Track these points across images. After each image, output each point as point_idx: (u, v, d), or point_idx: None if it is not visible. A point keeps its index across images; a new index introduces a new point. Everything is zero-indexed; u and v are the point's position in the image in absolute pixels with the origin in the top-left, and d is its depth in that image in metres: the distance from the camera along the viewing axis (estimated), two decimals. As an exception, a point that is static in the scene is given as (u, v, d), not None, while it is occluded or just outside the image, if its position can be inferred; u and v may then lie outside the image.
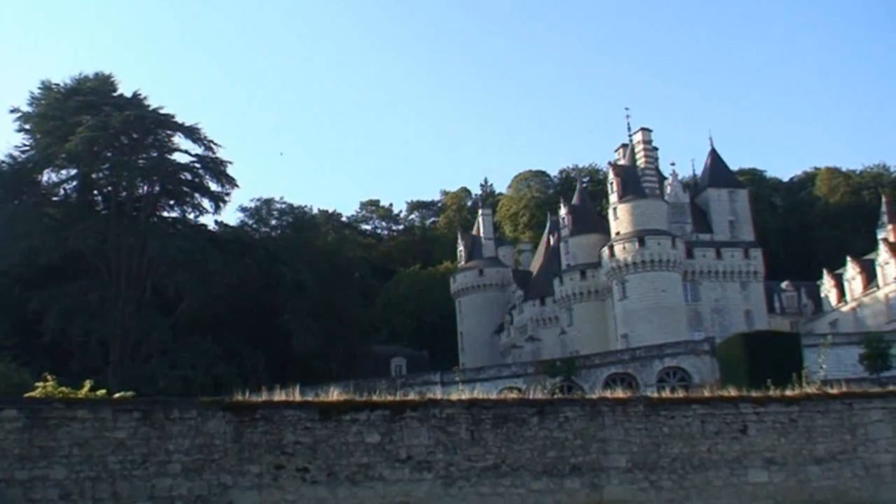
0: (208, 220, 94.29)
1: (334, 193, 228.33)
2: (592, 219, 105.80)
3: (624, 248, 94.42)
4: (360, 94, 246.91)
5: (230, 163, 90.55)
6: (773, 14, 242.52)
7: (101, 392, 24.03)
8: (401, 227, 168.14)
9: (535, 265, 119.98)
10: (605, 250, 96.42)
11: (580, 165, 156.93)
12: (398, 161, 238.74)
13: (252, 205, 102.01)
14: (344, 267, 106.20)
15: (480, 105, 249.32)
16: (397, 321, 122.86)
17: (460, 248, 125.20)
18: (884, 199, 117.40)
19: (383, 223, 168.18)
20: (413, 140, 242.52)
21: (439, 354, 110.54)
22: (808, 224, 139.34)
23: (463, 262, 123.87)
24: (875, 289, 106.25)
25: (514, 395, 24.69)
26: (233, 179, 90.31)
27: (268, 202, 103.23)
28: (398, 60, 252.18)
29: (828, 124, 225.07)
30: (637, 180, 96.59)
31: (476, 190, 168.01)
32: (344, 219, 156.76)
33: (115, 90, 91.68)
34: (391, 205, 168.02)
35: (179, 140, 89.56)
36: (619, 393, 24.70)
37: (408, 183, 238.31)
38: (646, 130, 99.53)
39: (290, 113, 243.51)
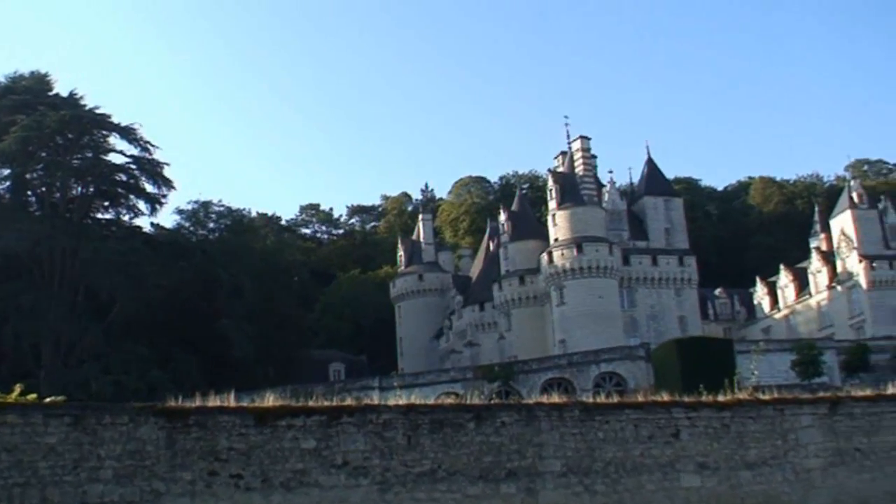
0: (144, 223, 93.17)
1: (274, 196, 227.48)
2: (532, 225, 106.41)
3: (562, 254, 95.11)
4: (300, 98, 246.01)
5: (167, 164, 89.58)
6: (709, 25, 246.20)
7: (32, 396, 23.58)
8: (341, 231, 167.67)
9: (475, 270, 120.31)
10: (544, 256, 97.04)
11: (520, 172, 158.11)
12: (339, 165, 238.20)
13: (189, 207, 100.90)
14: (283, 271, 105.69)
15: (422, 110, 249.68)
16: (336, 326, 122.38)
17: (400, 252, 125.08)
18: (816, 209, 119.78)
19: (323, 227, 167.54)
20: (354, 144, 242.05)
21: (378, 359, 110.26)
22: (741, 232, 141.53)
23: (403, 267, 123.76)
24: (807, 296, 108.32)
25: (451, 400, 24.73)
26: (169, 181, 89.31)
27: (205, 205, 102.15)
28: (339, 64, 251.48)
29: (762, 134, 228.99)
30: (576, 187, 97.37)
31: (417, 195, 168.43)
32: (283, 222, 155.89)
33: (50, 89, 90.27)
34: (331, 209, 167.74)
35: (115, 141, 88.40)
36: (556, 398, 24.86)
37: (348, 187, 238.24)
38: (584, 138, 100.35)
39: (229, 115, 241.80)
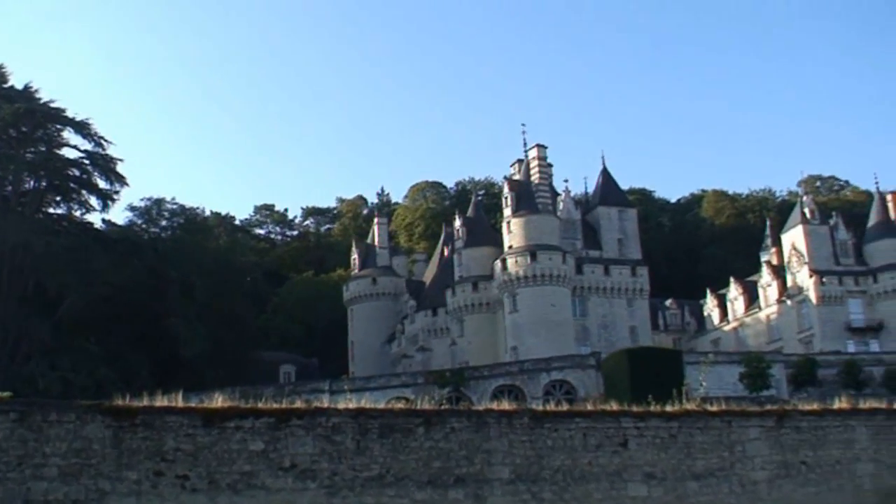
0: (96, 219, 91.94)
1: (228, 196, 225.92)
2: (486, 232, 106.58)
3: (516, 261, 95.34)
4: (257, 97, 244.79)
5: (120, 160, 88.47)
6: (667, 38, 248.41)
7: (-22, 392, 23.28)
8: (295, 232, 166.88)
9: (429, 276, 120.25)
10: (498, 263, 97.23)
11: (476, 178, 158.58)
12: (295, 166, 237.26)
13: (142, 204, 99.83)
14: (235, 271, 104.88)
15: (380, 114, 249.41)
16: (288, 328, 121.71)
17: (354, 256, 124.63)
18: (768, 223, 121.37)
19: (277, 228, 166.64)
20: (310, 146, 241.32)
21: (330, 362, 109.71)
22: (693, 244, 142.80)
23: (356, 271, 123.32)
24: (757, 309, 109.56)
25: (402, 404, 24.59)
26: (122, 177, 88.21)
27: (158, 202, 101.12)
28: (297, 65, 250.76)
29: (717, 148, 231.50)
30: (531, 195, 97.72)
31: (372, 198, 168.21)
32: (237, 222, 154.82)
33: (5, 81, 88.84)
34: (286, 210, 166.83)
35: (69, 135, 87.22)
36: (506, 405, 24.89)
37: (304, 189, 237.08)
38: (541, 147, 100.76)
39: (185, 112, 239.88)
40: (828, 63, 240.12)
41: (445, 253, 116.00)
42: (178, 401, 22.03)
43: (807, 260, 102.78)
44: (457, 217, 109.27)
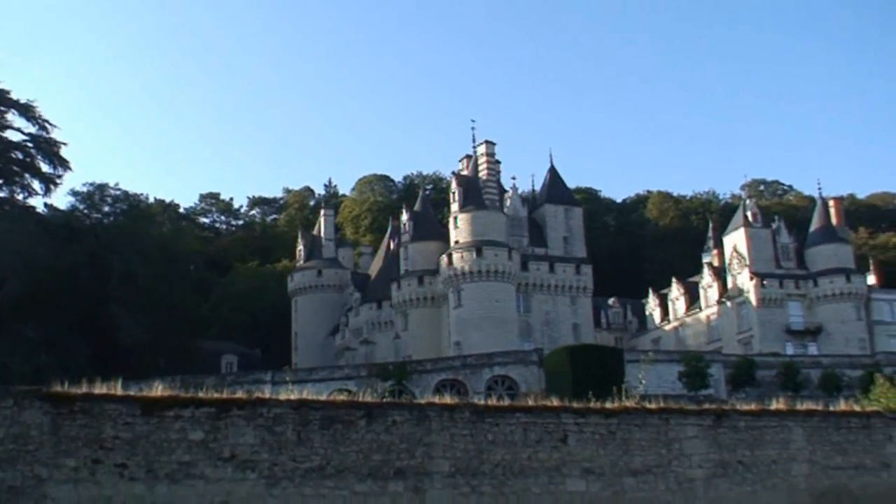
0: (38, 203, 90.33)
1: (173, 183, 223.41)
2: (433, 226, 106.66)
3: (462, 256, 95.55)
4: (205, 85, 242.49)
5: (65, 144, 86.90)
6: (617, 39, 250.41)
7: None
8: (240, 222, 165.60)
9: (374, 269, 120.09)
10: (444, 258, 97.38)
11: (424, 173, 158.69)
12: (242, 155, 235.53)
13: (85, 189, 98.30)
14: (178, 259, 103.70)
15: (328, 106, 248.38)
16: (231, 318, 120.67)
17: (300, 247, 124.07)
18: (711, 225, 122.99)
19: (222, 217, 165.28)
20: (258, 135, 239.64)
21: (272, 353, 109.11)
22: (637, 244, 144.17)
23: (302, 262, 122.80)
24: (697, 310, 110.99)
25: (344, 397, 24.59)
26: (66, 162, 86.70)
27: (101, 188, 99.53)
28: (246, 53, 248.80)
29: (662, 150, 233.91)
30: (478, 191, 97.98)
31: (320, 190, 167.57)
32: (182, 210, 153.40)
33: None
34: (232, 199, 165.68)
35: (14, 118, 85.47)
36: (448, 399, 24.99)
37: (251, 178, 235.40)
38: (490, 143, 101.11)
39: (131, 98, 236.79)
40: (774, 69, 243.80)
41: (392, 246, 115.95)
42: (118, 389, 21.78)
43: (748, 262, 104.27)
44: (404, 211, 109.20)
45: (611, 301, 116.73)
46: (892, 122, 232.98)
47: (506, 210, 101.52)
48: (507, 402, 26.53)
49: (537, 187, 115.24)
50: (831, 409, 30.14)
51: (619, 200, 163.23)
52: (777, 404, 28.63)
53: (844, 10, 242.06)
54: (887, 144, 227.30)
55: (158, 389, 21.92)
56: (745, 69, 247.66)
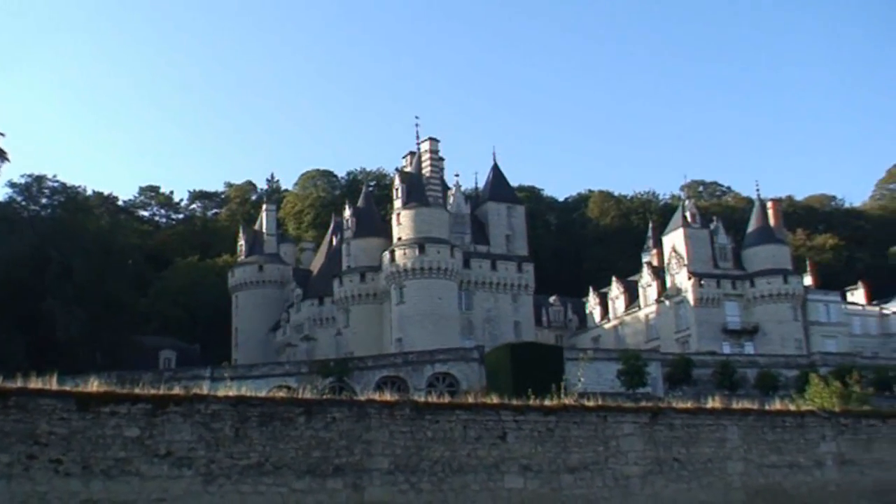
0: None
1: (112, 176, 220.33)
2: (376, 223, 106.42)
3: (404, 253, 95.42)
4: (146, 75, 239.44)
5: (2, 135, 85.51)
6: (559, 37, 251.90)
7: None
8: (180, 216, 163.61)
9: (316, 265, 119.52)
10: (386, 255, 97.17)
11: (368, 169, 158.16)
12: (183, 148, 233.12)
13: (22, 181, 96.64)
14: (117, 253, 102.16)
15: (271, 100, 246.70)
16: (170, 313, 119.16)
17: (241, 242, 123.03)
18: (650, 225, 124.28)
19: (162, 210, 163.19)
20: (200, 128, 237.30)
21: (212, 349, 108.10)
22: (578, 243, 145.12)
23: (243, 257, 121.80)
24: (637, 309, 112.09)
25: (283, 393, 24.39)
26: (3, 153, 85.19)
27: (39, 179, 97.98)
28: (188, 45, 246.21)
29: (604, 150, 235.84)
30: (421, 188, 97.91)
31: (262, 184, 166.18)
32: (120, 203, 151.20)
33: None
34: (172, 192, 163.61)
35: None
36: (388, 396, 24.93)
37: (191, 171, 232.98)
38: (433, 140, 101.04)
39: (70, 89, 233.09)
40: (713, 71, 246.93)
41: (334, 242, 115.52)
42: (53, 384, 21.44)
43: (686, 262, 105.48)
44: (347, 207, 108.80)
45: (552, 299, 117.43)
46: (829, 124, 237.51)
47: (449, 207, 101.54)
48: (447, 399, 26.51)
49: (480, 185, 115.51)
50: (766, 408, 30.56)
51: (561, 199, 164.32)
52: (713, 403, 28.96)
53: (785, 13, 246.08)
54: (825, 147, 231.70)
55: (94, 385, 21.61)
56: (685, 71, 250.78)
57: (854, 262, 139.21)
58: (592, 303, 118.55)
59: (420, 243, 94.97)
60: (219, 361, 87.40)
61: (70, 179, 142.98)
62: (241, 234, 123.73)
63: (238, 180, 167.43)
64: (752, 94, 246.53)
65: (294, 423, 22.05)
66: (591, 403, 26.23)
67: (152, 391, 21.98)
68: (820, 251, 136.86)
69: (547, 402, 25.54)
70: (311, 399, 23.48)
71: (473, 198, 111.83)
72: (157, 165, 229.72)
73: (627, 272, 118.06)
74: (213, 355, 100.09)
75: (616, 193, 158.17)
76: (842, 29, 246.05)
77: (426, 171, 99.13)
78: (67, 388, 21.67)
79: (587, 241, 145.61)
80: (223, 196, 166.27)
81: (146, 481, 20.45)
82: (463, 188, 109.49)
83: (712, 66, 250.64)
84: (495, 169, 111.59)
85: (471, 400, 26.34)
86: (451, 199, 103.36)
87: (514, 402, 25.48)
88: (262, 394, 24.30)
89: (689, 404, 28.61)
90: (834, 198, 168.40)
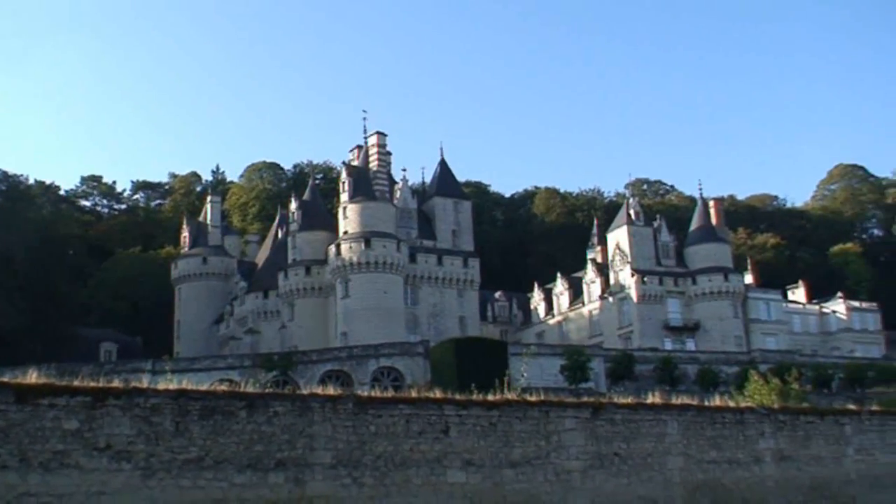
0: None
1: (54, 165, 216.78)
2: (322, 216, 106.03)
3: (350, 247, 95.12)
4: (91, 64, 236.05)
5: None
6: (507, 34, 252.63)
7: None
8: (123, 206, 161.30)
9: (261, 257, 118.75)
10: (332, 248, 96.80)
11: (315, 162, 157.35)
12: (126, 137, 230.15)
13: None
14: (58, 243, 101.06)
15: (218, 90, 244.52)
16: (112, 305, 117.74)
17: (184, 233, 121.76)
18: (595, 222, 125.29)
19: (105, 201, 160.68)
20: (144, 117, 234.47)
21: (154, 342, 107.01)
22: (524, 239, 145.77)
23: (186, 249, 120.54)
24: (580, 305, 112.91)
25: (226, 387, 24.21)
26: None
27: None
28: (133, 32, 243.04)
29: (551, 147, 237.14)
30: (368, 182, 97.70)
31: (207, 176, 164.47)
32: (62, 192, 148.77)
33: None
34: (115, 182, 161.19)
35: None
36: (331, 390, 24.85)
37: (135, 161, 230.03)
38: (381, 134, 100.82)
39: (11, 76, 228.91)
40: (658, 72, 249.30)
41: (279, 235, 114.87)
42: (-10, 375, 21.10)
43: (629, 259, 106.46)
44: (293, 200, 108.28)
45: (497, 294, 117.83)
46: (771, 125, 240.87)
47: (395, 202, 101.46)
48: (391, 393, 26.49)
49: (427, 180, 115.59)
50: (706, 404, 30.93)
51: (507, 195, 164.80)
52: (653, 398, 29.23)
53: (725, 16, 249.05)
54: (768, 147, 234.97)
55: (33, 377, 21.29)
56: (630, 70, 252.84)
57: (795, 261, 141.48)
58: (537, 298, 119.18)
59: (366, 237, 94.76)
60: (160, 354, 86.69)
61: (12, 168, 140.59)
62: (184, 226, 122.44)
63: (182, 171, 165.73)
64: (695, 94, 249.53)
65: (235, 417, 21.87)
66: (533, 398, 26.33)
67: (92, 384, 21.68)
68: (761, 250, 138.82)
69: (490, 397, 25.61)
70: (253, 393, 23.30)
71: (420, 193, 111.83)
72: (100, 155, 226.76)
73: (572, 268, 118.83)
74: (155, 348, 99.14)
75: (562, 190, 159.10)
76: (784, 31, 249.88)
77: (373, 165, 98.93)
78: (6, 379, 21.32)
79: (533, 238, 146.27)
80: (167, 187, 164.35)
81: (85, 474, 20.19)
82: (410, 183, 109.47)
83: (656, 66, 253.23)
84: (442, 164, 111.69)
85: (414, 394, 26.32)
86: (397, 194, 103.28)
87: (457, 396, 25.49)
88: (204, 387, 24.12)
89: (630, 400, 28.84)
90: (776, 198, 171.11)
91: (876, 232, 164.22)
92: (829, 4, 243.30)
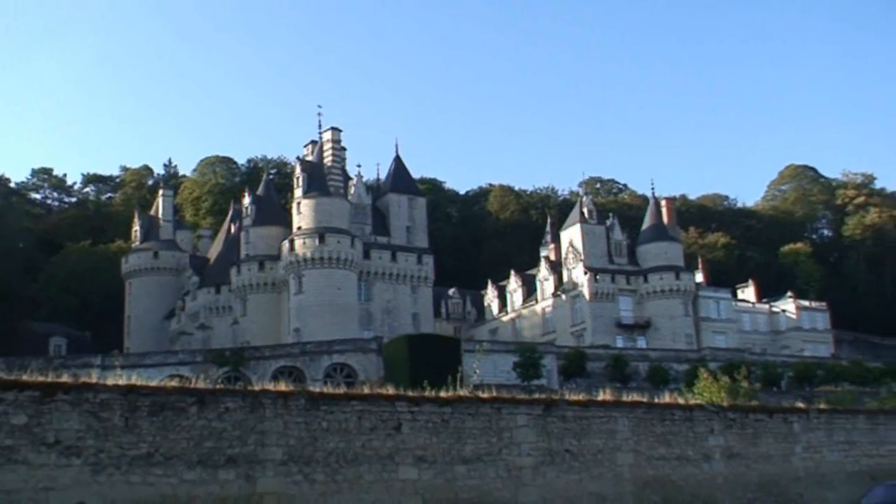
0: None
1: (4, 157, 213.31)
2: (276, 211, 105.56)
3: (304, 243, 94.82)
4: (41, 54, 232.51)
5: None
6: (462, 34, 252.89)
7: None
8: (74, 199, 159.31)
9: (214, 252, 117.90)
10: (286, 244, 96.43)
11: (269, 157, 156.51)
12: (77, 130, 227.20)
13: None
14: (7, 237, 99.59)
15: (170, 83, 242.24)
16: (62, 299, 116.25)
17: (136, 227, 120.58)
18: (549, 220, 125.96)
19: (55, 194, 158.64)
20: (96, 109, 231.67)
21: (105, 337, 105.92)
22: (478, 236, 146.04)
23: (137, 243, 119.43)
24: (534, 302, 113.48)
25: (176, 383, 23.98)
26: None
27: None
28: (85, 24, 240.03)
29: (505, 145, 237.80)
30: (323, 178, 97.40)
31: (159, 169, 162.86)
32: (12, 185, 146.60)
33: None
34: (65, 175, 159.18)
35: None
36: (283, 386, 24.74)
37: (86, 154, 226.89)
38: (336, 130, 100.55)
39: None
40: (612, 71, 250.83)
41: (232, 230, 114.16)
42: (-65, 370, 20.79)
43: (582, 257, 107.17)
44: (246, 194, 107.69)
45: (451, 291, 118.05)
46: (723, 126, 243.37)
47: (350, 198, 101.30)
48: (343, 389, 26.41)
49: (382, 176, 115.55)
50: (656, 401, 31.18)
51: (462, 192, 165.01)
52: (604, 395, 29.39)
53: (676, 15, 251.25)
54: (719, 147, 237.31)
55: (-20, 371, 21.00)
56: (585, 70, 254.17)
57: (745, 260, 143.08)
58: (491, 295, 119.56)
59: (320, 233, 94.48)
60: (110, 349, 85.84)
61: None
62: (136, 220, 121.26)
63: (134, 164, 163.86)
64: (649, 94, 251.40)
65: (186, 413, 21.69)
66: (485, 395, 26.37)
67: (40, 378, 21.40)
68: (712, 249, 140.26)
69: (442, 394, 25.62)
70: (204, 389, 23.11)
71: (375, 189, 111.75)
72: (50, 147, 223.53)
73: (526, 266, 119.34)
74: (105, 343, 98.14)
75: (516, 188, 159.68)
76: (735, 32, 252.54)
77: (328, 160, 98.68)
78: (-49, 374, 21.01)
79: (487, 235, 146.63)
80: (118, 180, 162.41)
81: (33, 470, 19.94)
82: (365, 179, 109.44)
83: (611, 65, 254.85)
84: (397, 161, 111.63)
85: (366, 391, 26.27)
86: (352, 190, 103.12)
87: (410, 393, 25.48)
88: (155, 383, 23.90)
89: (581, 397, 28.93)
90: (727, 198, 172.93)
91: (826, 232, 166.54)
92: (780, 5, 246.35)
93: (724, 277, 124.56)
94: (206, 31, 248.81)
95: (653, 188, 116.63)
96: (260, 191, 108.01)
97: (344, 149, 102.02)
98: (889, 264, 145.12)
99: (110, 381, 21.92)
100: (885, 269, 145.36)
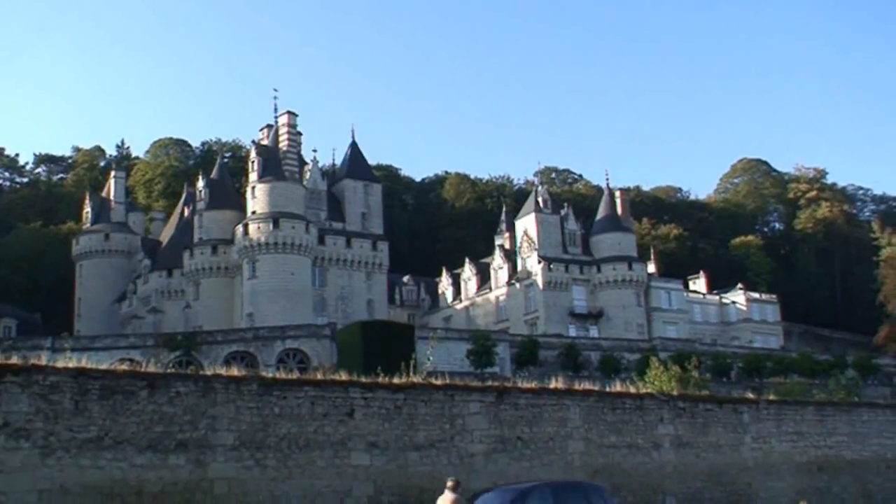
0: None
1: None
2: (230, 195, 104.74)
3: (258, 227, 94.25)
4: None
5: None
6: (420, 19, 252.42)
7: None
8: (25, 179, 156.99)
9: (166, 235, 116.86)
10: (240, 228, 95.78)
11: (224, 140, 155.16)
12: (28, 109, 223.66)
13: None
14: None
15: (124, 62, 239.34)
16: (11, 280, 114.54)
17: (87, 209, 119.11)
18: (504, 209, 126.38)
19: (6, 174, 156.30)
20: (48, 88, 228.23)
21: (54, 319, 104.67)
22: (434, 224, 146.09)
23: (88, 225, 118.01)
24: (488, 290, 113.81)
25: (127, 366, 23.81)
26: None
27: None
28: (39, 4, 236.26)
29: (462, 133, 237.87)
30: (278, 162, 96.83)
31: (112, 150, 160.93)
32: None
33: None
34: (17, 155, 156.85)
35: None
36: (235, 371, 24.65)
37: (38, 134, 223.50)
38: (292, 114, 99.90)
39: None
40: (566, 62, 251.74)
41: (185, 213, 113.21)
42: None
43: (537, 246, 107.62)
44: (200, 177, 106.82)
45: (405, 278, 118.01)
46: (677, 118, 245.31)
47: (305, 183, 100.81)
48: (296, 375, 26.34)
49: (338, 162, 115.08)
50: (607, 389, 31.45)
51: (418, 180, 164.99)
52: (556, 384, 29.58)
53: (634, 8, 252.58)
54: (674, 140, 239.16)
55: (-73, 353, 20.71)
56: (541, 58, 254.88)
57: (696, 252, 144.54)
58: (445, 283, 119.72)
59: (274, 218, 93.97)
60: (61, 332, 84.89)
61: None
62: (87, 201, 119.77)
63: (87, 145, 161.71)
64: (606, 85, 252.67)
65: (136, 397, 21.54)
66: (438, 382, 26.48)
67: (-11, 361, 21.17)
68: (664, 240, 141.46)
69: (395, 381, 25.68)
70: (155, 372, 22.97)
71: (330, 174, 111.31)
72: (2, 127, 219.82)
73: (480, 254, 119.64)
74: (55, 325, 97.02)
75: (472, 176, 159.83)
76: (692, 26, 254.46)
77: (283, 145, 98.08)
78: None
79: (442, 222, 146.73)
80: (70, 161, 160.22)
81: (-19, 452, 19.73)
82: (320, 164, 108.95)
83: (568, 56, 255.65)
84: (353, 146, 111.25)
85: (319, 376, 26.26)
86: (307, 175, 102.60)
87: (363, 379, 25.51)
88: (105, 366, 23.70)
89: (533, 385, 29.11)
90: (680, 190, 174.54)
91: (777, 226, 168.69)
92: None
93: (676, 269, 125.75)
94: (162, 11, 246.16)
95: (607, 179, 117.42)
96: (214, 174, 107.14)
97: (300, 133, 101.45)
98: (839, 258, 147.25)
99: (60, 364, 21.73)
100: (834, 263, 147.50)
